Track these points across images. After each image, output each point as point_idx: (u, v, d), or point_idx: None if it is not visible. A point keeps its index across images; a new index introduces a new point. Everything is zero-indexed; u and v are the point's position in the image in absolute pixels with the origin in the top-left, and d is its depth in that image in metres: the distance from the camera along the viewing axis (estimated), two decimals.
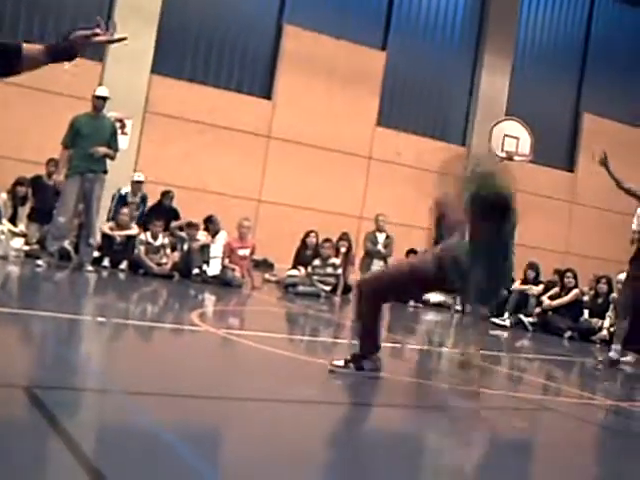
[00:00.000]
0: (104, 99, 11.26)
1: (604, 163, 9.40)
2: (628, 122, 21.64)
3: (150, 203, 14.67)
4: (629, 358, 9.87)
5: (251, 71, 17.89)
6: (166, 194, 14.88)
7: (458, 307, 15.25)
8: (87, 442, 3.06)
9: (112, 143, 11.20)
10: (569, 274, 14.05)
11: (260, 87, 17.92)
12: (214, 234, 14.05)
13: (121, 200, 13.87)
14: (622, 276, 10.76)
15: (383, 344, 5.72)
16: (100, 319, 6.97)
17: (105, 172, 11.14)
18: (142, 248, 12.71)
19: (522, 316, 13.91)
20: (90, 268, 11.08)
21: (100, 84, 14.35)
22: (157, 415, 3.64)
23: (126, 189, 14.14)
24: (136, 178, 14.31)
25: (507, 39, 20.15)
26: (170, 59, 16.77)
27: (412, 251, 16.83)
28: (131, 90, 15.72)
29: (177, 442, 3.28)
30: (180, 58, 17.04)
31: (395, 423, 4.67)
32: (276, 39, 17.95)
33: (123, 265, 12.62)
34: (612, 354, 9.24)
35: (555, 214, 20.32)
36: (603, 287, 13.54)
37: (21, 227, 12.74)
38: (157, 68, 16.47)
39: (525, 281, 14.67)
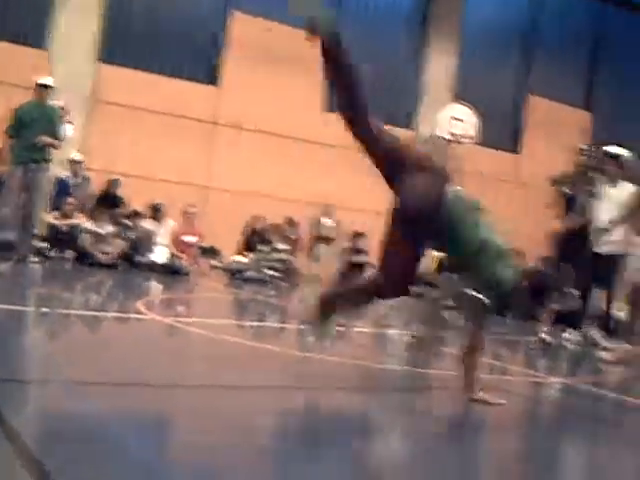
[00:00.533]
0: (47, 87, 11.11)
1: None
2: (572, 104, 21.86)
3: (96, 191, 14.54)
4: (570, 335, 10.01)
5: (198, 58, 17.76)
6: (113, 182, 14.76)
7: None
8: (28, 433, 3.02)
9: (57, 132, 11.05)
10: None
11: (207, 74, 17.81)
12: (160, 222, 13.98)
13: (64, 186, 13.59)
14: None
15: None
16: (44, 310, 6.91)
17: (47, 161, 10.99)
18: (88, 237, 12.60)
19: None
20: (34, 259, 10.96)
21: (46, 73, 14.16)
22: (102, 404, 3.62)
23: (65, 173, 13.87)
24: (73, 157, 14.05)
25: (453, 22, 20.21)
26: (116, 47, 16.59)
27: (359, 234, 16.92)
28: (77, 78, 15.55)
29: (122, 431, 3.26)
30: (126, 46, 16.86)
31: (343, 405, 4.68)
32: (223, 26, 17.84)
33: (68, 254, 12.50)
34: (544, 335, 9.40)
35: (500, 195, 20.45)
36: (548, 267, 13.68)
37: None
38: (103, 56, 16.30)
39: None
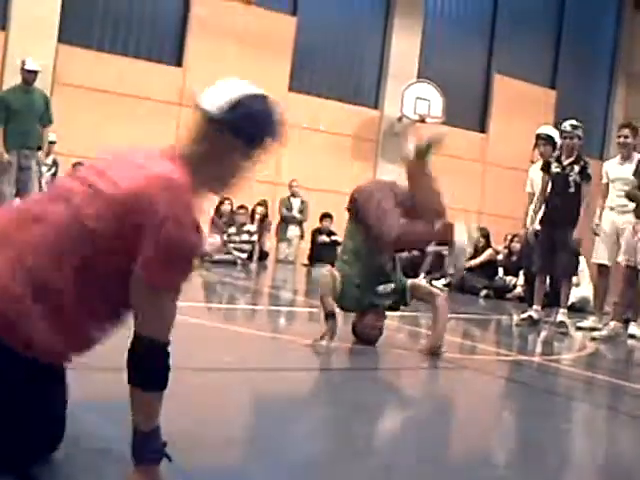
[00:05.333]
0: (35, 73, 11.03)
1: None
2: (538, 82, 21.94)
3: (61, 175, 14.41)
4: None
5: (160, 38, 17.60)
6: (77, 166, 14.61)
7: None
8: None
9: (45, 116, 11.02)
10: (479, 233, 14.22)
11: (170, 54, 17.66)
12: None
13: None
14: None
15: (301, 309, 5.73)
16: None
17: (40, 148, 11.00)
18: None
19: (434, 280, 14.02)
20: None
21: (4, 54, 14.02)
22: (74, 389, 3.58)
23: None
24: (49, 138, 13.94)
25: (417, 1, 20.17)
26: (77, 27, 16.37)
27: (327, 215, 16.91)
28: (37, 60, 15.33)
29: (92, 415, 3.23)
30: (87, 26, 16.64)
31: (318, 385, 4.68)
32: (185, 5, 17.67)
33: None
34: (533, 313, 9.41)
35: (468, 175, 20.51)
36: (516, 246, 13.73)
37: None
38: (63, 37, 16.07)
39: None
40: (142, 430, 2.43)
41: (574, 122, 9.24)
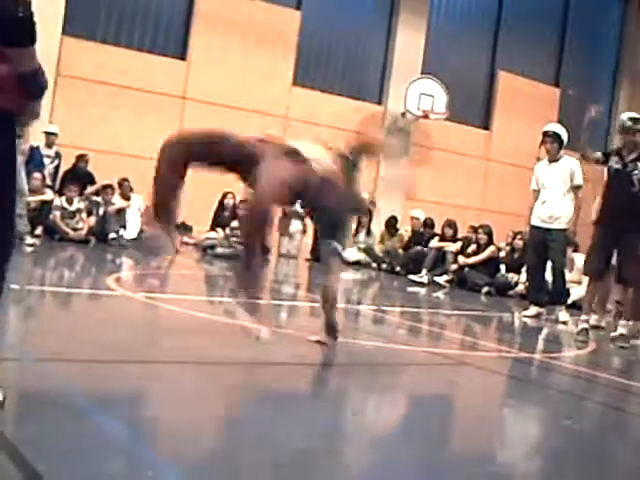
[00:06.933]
0: None
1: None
2: (541, 80, 21.92)
3: (65, 167, 14.43)
4: (531, 312, 10.06)
5: (165, 31, 17.59)
6: (81, 158, 14.63)
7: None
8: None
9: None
10: (481, 230, 14.23)
11: (174, 47, 17.65)
12: (127, 198, 13.89)
13: (37, 155, 13.33)
14: None
15: (301, 303, 5.74)
16: (13, 286, 6.83)
17: (20, 137, 10.80)
18: (57, 213, 12.48)
19: (436, 277, 14.05)
20: (30, 241, 10.64)
21: None
22: (74, 381, 3.60)
23: (37, 143, 13.63)
24: (50, 129, 13.92)
25: None
26: (82, 20, 16.37)
27: None
28: (42, 52, 15.21)
29: (93, 408, 3.24)
30: (92, 19, 16.64)
31: (318, 380, 4.69)
32: None
33: (38, 231, 12.35)
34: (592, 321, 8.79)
35: (471, 172, 20.54)
36: (519, 243, 13.73)
37: None
38: (68, 29, 16.06)
39: (443, 238, 14.83)
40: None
41: (634, 115, 8.50)
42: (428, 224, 15.86)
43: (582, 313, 8.58)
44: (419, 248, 14.99)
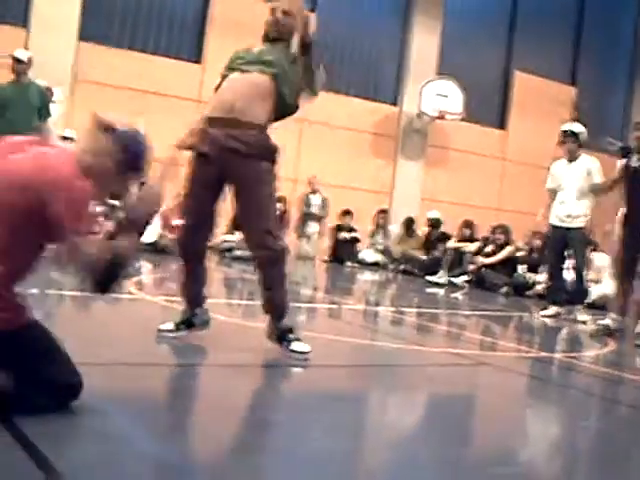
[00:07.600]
0: (20, 62, 10.58)
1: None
2: (557, 79, 21.84)
3: None
4: (550, 311, 10.03)
5: (180, 35, 17.64)
6: None
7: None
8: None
9: (43, 111, 10.74)
10: (498, 230, 14.21)
11: (189, 51, 17.70)
12: None
13: None
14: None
15: (320, 305, 5.74)
16: (33, 291, 6.87)
17: None
18: None
19: (454, 277, 14.04)
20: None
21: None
22: (93, 384, 3.61)
23: None
24: (67, 134, 13.94)
25: None
26: (97, 25, 16.43)
27: (347, 212, 16.93)
28: (58, 57, 15.40)
29: (115, 410, 3.26)
30: (107, 24, 16.70)
31: (340, 382, 4.69)
32: (204, 2, 17.72)
33: None
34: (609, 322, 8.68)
35: (487, 171, 20.49)
36: (538, 242, 13.69)
37: None
38: (84, 34, 16.14)
39: (461, 239, 14.81)
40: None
41: None
42: (435, 225, 15.86)
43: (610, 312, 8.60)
44: (436, 253, 15.01)
